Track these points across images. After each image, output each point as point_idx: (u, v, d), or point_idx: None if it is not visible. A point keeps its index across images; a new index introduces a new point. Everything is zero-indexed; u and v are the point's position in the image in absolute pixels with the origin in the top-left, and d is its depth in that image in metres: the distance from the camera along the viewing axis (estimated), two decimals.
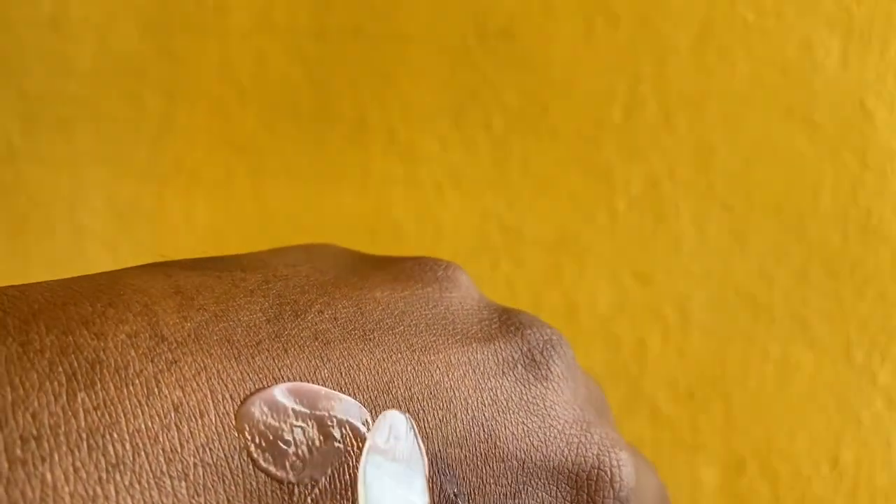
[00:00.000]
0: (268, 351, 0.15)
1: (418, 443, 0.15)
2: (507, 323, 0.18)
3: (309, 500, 0.14)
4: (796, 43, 0.37)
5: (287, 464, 0.14)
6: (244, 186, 0.40)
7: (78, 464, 0.12)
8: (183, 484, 0.13)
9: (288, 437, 0.14)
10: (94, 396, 0.13)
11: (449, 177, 0.40)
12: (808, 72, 0.37)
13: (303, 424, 0.14)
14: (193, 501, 0.13)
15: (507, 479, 0.16)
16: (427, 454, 0.15)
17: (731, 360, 0.37)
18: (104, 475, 0.12)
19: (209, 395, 0.14)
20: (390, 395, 0.15)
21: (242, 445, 0.14)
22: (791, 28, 0.37)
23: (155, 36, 0.41)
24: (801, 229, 0.37)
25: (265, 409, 0.14)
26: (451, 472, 0.16)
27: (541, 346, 0.18)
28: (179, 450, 0.13)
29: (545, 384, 0.17)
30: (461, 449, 0.16)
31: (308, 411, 0.14)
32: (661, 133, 0.38)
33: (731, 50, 0.37)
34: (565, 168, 0.38)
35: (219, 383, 0.14)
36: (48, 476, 0.12)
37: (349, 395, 0.15)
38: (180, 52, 0.41)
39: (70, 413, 0.12)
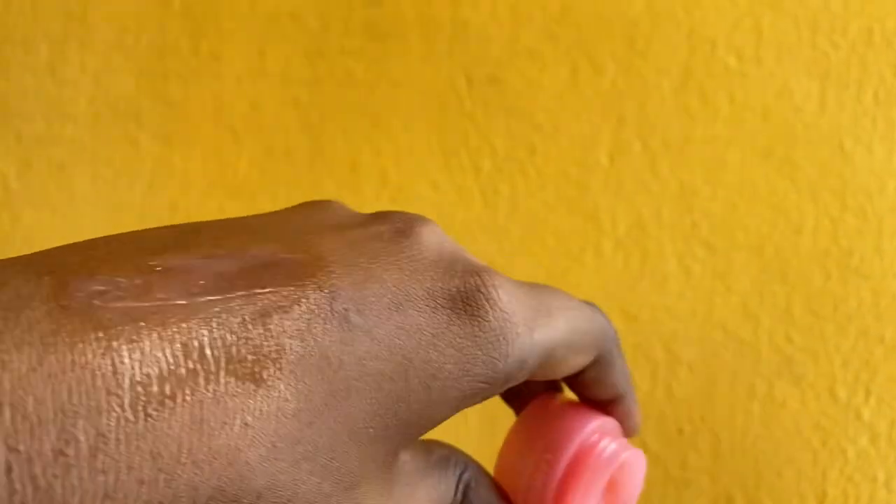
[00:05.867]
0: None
1: None
2: (374, 217, 0.20)
3: None
4: (776, 88, 0.38)
5: None
6: None
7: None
8: None
9: None
10: None
11: (439, 218, 0.40)
12: (787, 115, 0.38)
13: None
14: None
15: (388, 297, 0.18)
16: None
17: (718, 397, 0.38)
18: None
19: None
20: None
21: None
22: (771, 73, 0.38)
23: (150, 82, 0.42)
24: (784, 269, 0.38)
25: None
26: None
27: (404, 220, 0.20)
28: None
29: (409, 240, 0.19)
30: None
31: None
32: (646, 175, 0.39)
33: (713, 95, 0.38)
34: (553, 210, 0.39)
35: None
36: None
37: None
38: (175, 97, 0.42)
39: None
